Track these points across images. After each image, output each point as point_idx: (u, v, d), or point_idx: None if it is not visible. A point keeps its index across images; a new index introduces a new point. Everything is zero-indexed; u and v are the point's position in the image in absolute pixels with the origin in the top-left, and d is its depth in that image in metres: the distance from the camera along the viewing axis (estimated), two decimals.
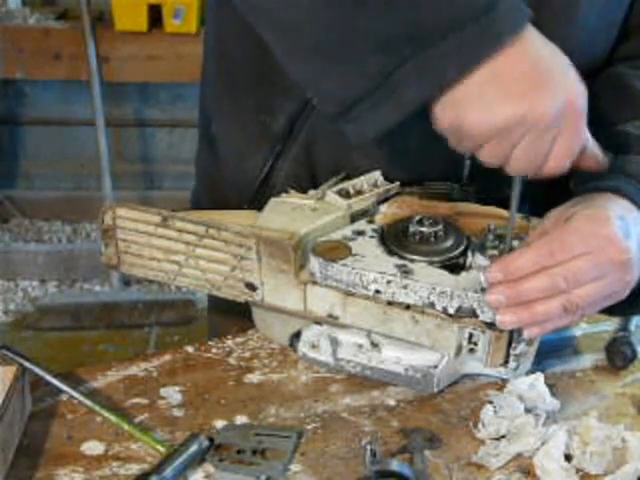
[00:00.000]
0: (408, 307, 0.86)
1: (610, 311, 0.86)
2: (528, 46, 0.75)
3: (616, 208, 0.84)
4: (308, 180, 1.03)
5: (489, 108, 0.74)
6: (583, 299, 0.80)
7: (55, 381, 0.86)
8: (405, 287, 0.85)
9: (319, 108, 0.84)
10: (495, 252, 0.87)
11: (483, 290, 0.83)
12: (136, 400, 0.88)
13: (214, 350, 0.96)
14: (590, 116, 0.79)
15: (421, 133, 0.94)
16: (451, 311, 0.84)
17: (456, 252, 0.89)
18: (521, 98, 0.74)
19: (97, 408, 0.84)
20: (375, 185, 0.99)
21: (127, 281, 3.12)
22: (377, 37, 0.75)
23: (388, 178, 1.01)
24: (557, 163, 0.77)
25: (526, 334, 0.83)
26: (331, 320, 0.90)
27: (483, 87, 0.74)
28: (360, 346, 0.90)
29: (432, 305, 0.85)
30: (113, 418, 0.83)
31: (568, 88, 0.76)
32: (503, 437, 0.82)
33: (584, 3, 0.95)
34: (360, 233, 0.92)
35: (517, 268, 0.80)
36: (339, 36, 0.77)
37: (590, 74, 1.04)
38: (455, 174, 1.03)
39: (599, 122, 0.82)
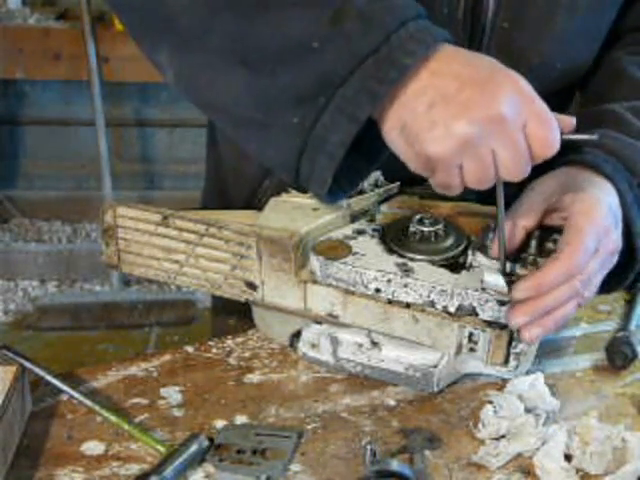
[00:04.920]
0: (408, 306, 0.86)
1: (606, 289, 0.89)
2: (448, 60, 0.74)
3: (605, 198, 0.86)
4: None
5: (441, 131, 0.73)
6: (591, 292, 0.84)
7: (55, 381, 0.86)
8: (405, 286, 0.85)
9: (282, 179, 0.85)
10: None
11: (484, 289, 0.83)
12: (136, 400, 0.88)
13: (214, 350, 0.96)
14: (583, 96, 0.79)
15: None
16: (451, 310, 0.84)
17: (456, 251, 0.89)
18: (467, 108, 0.72)
19: (97, 408, 0.84)
20: (375, 185, 1.00)
21: (127, 281, 3.12)
22: (291, 93, 0.76)
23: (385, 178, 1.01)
24: (545, 144, 0.75)
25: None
26: (331, 319, 0.90)
27: (424, 114, 0.73)
28: (360, 345, 0.90)
29: (432, 304, 0.85)
30: (113, 418, 0.83)
31: (507, 78, 0.75)
32: (503, 437, 0.82)
33: (563, 15, 0.96)
34: (360, 232, 0.92)
35: (550, 285, 0.80)
36: (263, 105, 0.78)
37: (571, 83, 1.05)
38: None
39: (591, 101, 0.82)
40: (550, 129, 0.75)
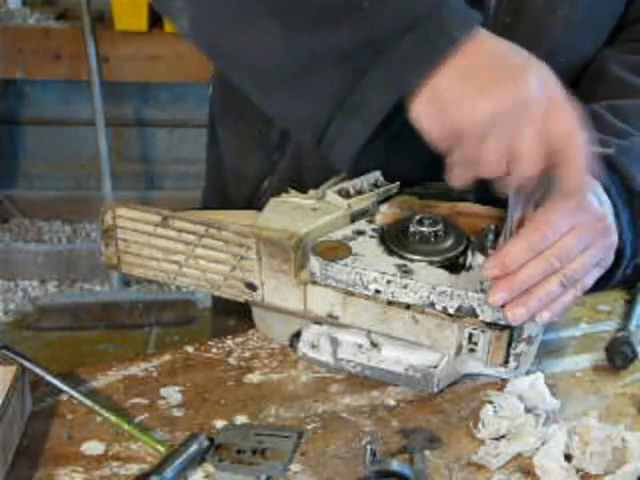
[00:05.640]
0: (408, 307, 0.86)
1: (595, 287, 0.88)
2: (485, 42, 0.76)
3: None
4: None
5: (470, 103, 0.73)
6: (577, 271, 0.82)
7: (55, 381, 0.86)
8: (405, 287, 0.85)
9: (299, 139, 0.83)
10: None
11: (483, 290, 0.83)
12: (136, 400, 0.88)
13: (214, 350, 0.96)
14: (573, 95, 0.79)
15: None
16: (451, 311, 0.84)
17: (456, 252, 0.89)
18: (498, 85, 0.73)
19: (97, 408, 0.84)
20: (375, 185, 0.99)
21: (127, 281, 3.12)
22: (333, 53, 0.75)
23: (385, 177, 1.01)
24: (569, 133, 0.75)
25: (538, 320, 0.83)
26: (331, 320, 0.90)
27: (456, 87, 0.73)
28: (360, 346, 0.90)
29: (432, 305, 0.85)
30: (113, 418, 0.83)
31: (537, 67, 0.75)
32: (503, 437, 0.82)
33: (565, 8, 0.96)
34: (360, 233, 0.92)
35: (513, 260, 0.80)
36: (298, 60, 0.76)
37: (577, 75, 1.05)
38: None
39: (579, 100, 0.82)
40: (575, 121, 0.76)
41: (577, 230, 0.82)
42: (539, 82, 0.74)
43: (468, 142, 0.75)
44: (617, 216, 0.88)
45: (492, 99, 0.73)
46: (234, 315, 1.10)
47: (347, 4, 0.74)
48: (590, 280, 0.85)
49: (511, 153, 0.75)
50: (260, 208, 0.95)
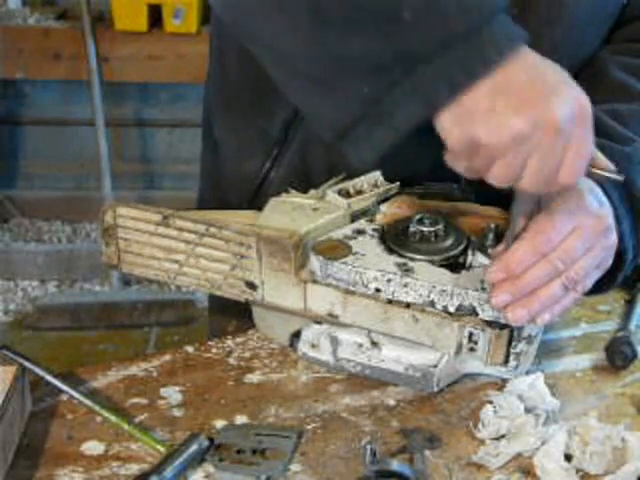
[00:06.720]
0: (408, 306, 0.86)
1: (596, 289, 0.88)
2: (524, 62, 0.74)
3: (584, 185, 0.86)
4: (303, 186, 1.03)
5: (498, 120, 0.72)
6: (578, 273, 0.83)
7: (55, 381, 0.86)
8: (405, 285, 0.85)
9: (318, 133, 0.83)
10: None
11: (484, 289, 0.83)
12: (136, 400, 0.88)
13: (214, 350, 0.96)
14: None
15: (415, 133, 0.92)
16: (451, 310, 0.84)
17: (456, 251, 0.89)
18: (529, 106, 0.72)
19: (97, 408, 0.84)
20: (375, 185, 0.99)
21: (127, 281, 3.12)
22: (367, 61, 0.74)
23: (385, 177, 1.01)
24: (571, 172, 0.75)
25: (539, 322, 0.83)
26: (331, 319, 0.90)
27: (487, 101, 0.72)
28: (360, 345, 0.90)
29: (432, 304, 0.85)
30: (113, 418, 0.83)
31: (573, 94, 0.75)
32: (503, 437, 0.82)
33: (571, 2, 0.95)
34: (360, 232, 0.92)
35: (518, 263, 0.81)
36: (331, 64, 0.76)
37: (578, 71, 1.04)
38: (449, 173, 1.03)
39: None
40: (583, 161, 0.75)
41: (579, 232, 0.82)
42: (571, 111, 0.73)
43: (483, 155, 0.74)
44: (619, 222, 0.88)
45: (523, 120, 0.72)
46: (232, 316, 1.10)
47: (388, 14, 0.72)
48: (590, 282, 0.85)
49: (519, 170, 0.75)
50: (266, 200, 0.96)
